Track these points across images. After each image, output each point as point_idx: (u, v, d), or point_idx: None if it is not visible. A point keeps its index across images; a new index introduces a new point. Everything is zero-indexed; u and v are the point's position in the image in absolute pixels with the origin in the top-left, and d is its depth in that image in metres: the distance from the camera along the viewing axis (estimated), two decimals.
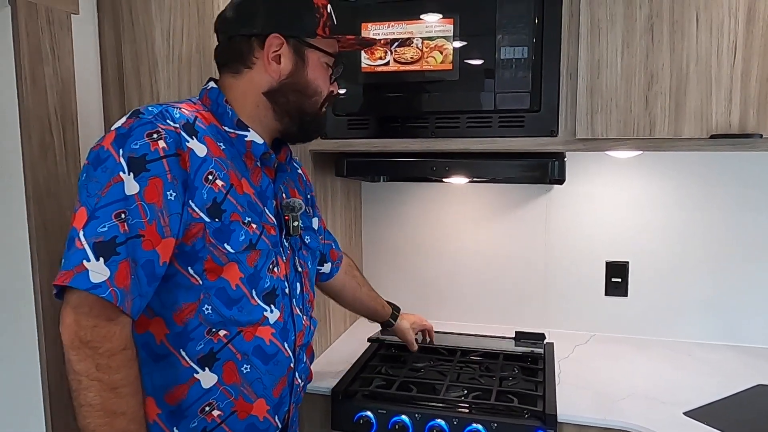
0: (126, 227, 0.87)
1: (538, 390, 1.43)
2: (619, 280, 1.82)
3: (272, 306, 1.04)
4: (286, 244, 1.10)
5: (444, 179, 1.73)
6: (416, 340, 1.63)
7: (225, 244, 0.96)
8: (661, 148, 1.36)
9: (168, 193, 0.91)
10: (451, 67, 1.40)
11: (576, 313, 1.86)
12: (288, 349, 1.07)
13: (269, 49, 1.02)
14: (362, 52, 1.45)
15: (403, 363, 1.63)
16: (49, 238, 1.33)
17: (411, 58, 1.42)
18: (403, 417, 1.38)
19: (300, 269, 1.14)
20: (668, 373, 1.54)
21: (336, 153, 1.59)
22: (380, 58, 1.45)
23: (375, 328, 1.86)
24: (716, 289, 1.74)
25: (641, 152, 1.56)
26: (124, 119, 0.94)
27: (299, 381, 1.13)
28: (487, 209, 1.89)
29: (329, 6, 1.09)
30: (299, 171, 1.27)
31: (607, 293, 1.83)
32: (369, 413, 1.40)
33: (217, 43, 1.09)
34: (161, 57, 1.46)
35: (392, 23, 1.43)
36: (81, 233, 0.86)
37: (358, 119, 1.51)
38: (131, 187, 0.88)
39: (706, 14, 1.29)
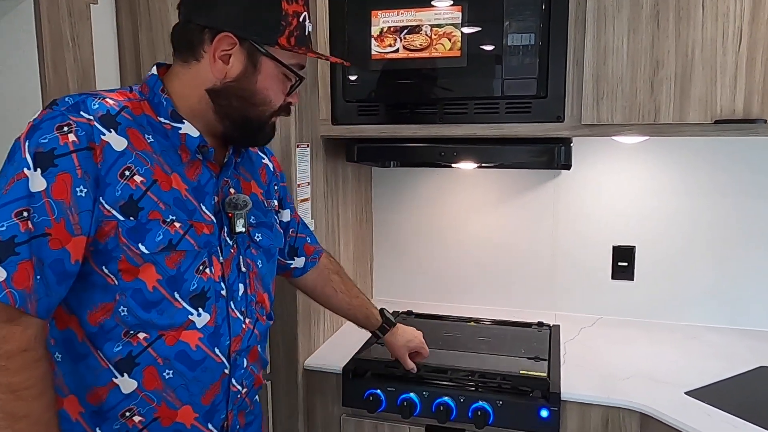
0: (30, 225, 0.83)
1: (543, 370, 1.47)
2: (626, 264, 1.84)
3: (200, 309, 0.97)
4: (230, 242, 1.02)
5: (452, 164, 1.76)
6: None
7: (139, 245, 0.90)
8: (666, 134, 1.38)
9: (77, 189, 0.86)
10: (459, 54, 1.43)
11: (583, 297, 1.89)
12: (220, 354, 1.00)
13: (218, 46, 0.93)
14: (372, 39, 1.48)
15: None
16: None
17: (420, 45, 1.45)
18: (412, 394, 1.42)
19: (245, 269, 1.06)
20: (672, 355, 1.57)
21: (346, 138, 1.62)
22: (390, 45, 1.48)
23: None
24: (721, 273, 1.76)
25: (647, 138, 1.58)
26: (40, 111, 0.90)
27: (238, 387, 1.05)
28: (496, 194, 1.92)
29: (304, 14, 0.99)
30: (264, 161, 1.18)
31: (613, 277, 1.86)
32: (378, 391, 1.45)
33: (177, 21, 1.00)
34: None
35: (401, 11, 1.45)
36: None
37: (368, 105, 1.54)
38: (37, 183, 0.84)
39: (711, 1, 1.30)
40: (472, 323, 1.82)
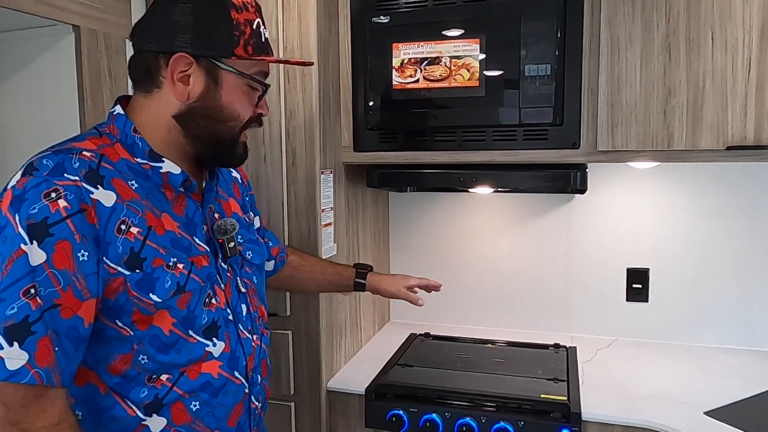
0: (39, 300, 0.81)
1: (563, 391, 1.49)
2: (640, 286, 1.87)
3: (214, 339, 0.98)
4: (225, 266, 1.03)
5: (470, 189, 1.81)
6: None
7: (150, 294, 0.90)
8: (680, 160, 1.43)
9: (79, 254, 0.84)
10: (477, 84, 1.49)
11: (598, 319, 1.92)
12: (240, 376, 1.02)
13: (174, 68, 0.92)
14: (394, 70, 1.54)
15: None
16: None
17: (440, 75, 1.51)
18: (434, 415, 1.45)
19: (244, 289, 1.08)
20: (689, 375, 1.59)
21: (367, 165, 1.68)
22: (410, 76, 1.54)
23: (403, 332, 1.94)
24: (735, 294, 1.79)
25: (659, 163, 1.62)
26: (18, 175, 0.85)
27: (256, 404, 1.08)
28: (511, 218, 1.97)
29: (257, 21, 0.97)
30: (234, 175, 1.19)
31: (628, 299, 1.89)
32: (401, 411, 1.47)
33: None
34: None
35: (422, 43, 1.52)
36: None
37: (389, 133, 1.60)
38: (36, 256, 0.81)
39: (720, 32, 1.36)
40: (489, 345, 1.85)
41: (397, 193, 2.06)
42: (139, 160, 0.94)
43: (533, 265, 1.96)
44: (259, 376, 1.08)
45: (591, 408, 1.39)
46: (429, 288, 1.50)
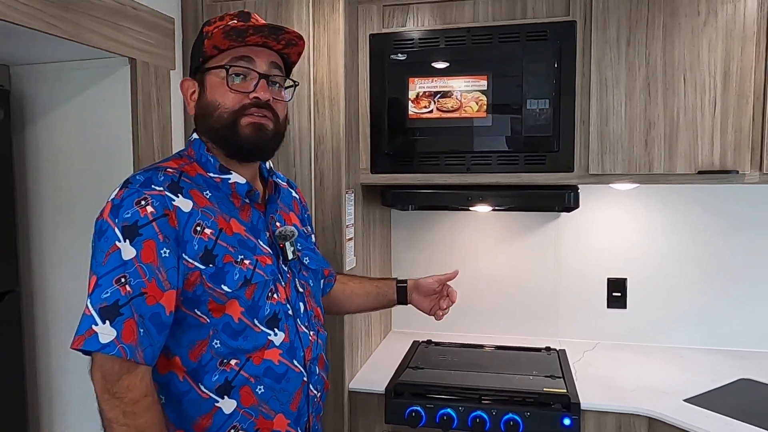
0: (128, 288, 0.96)
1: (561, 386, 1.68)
2: (619, 294, 2.09)
3: (275, 329, 1.11)
4: (285, 269, 1.16)
5: (471, 208, 2.00)
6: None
7: (222, 286, 1.04)
8: (659, 182, 1.67)
9: (162, 251, 0.99)
10: (485, 115, 1.69)
11: (582, 324, 2.13)
12: (298, 365, 1.14)
13: (186, 92, 1.15)
14: (410, 101, 1.73)
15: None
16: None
17: (451, 107, 1.71)
18: (449, 410, 1.61)
19: (302, 289, 1.20)
20: (667, 371, 1.80)
21: (381, 185, 1.85)
22: (425, 107, 1.73)
23: (406, 340, 2.10)
24: (704, 301, 2.02)
25: (639, 185, 1.86)
26: (116, 190, 1.04)
27: (315, 392, 1.19)
28: (504, 234, 2.17)
29: (227, 24, 1.10)
30: (293, 195, 1.34)
31: (608, 306, 2.10)
32: (419, 407, 1.63)
33: None
34: None
35: (435, 78, 1.72)
36: (89, 300, 0.97)
37: (405, 157, 1.78)
38: (128, 252, 0.98)
39: (691, 75, 1.61)
40: (487, 349, 2.04)
41: (400, 211, 2.23)
42: (211, 174, 1.12)
43: (524, 277, 2.16)
44: (316, 368, 1.20)
45: (587, 398, 1.58)
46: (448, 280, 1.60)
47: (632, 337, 2.08)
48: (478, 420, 1.59)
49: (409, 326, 2.24)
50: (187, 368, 1.05)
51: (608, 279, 2.10)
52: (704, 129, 1.62)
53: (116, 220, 0.99)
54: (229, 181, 1.12)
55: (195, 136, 1.16)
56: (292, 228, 1.20)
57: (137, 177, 1.05)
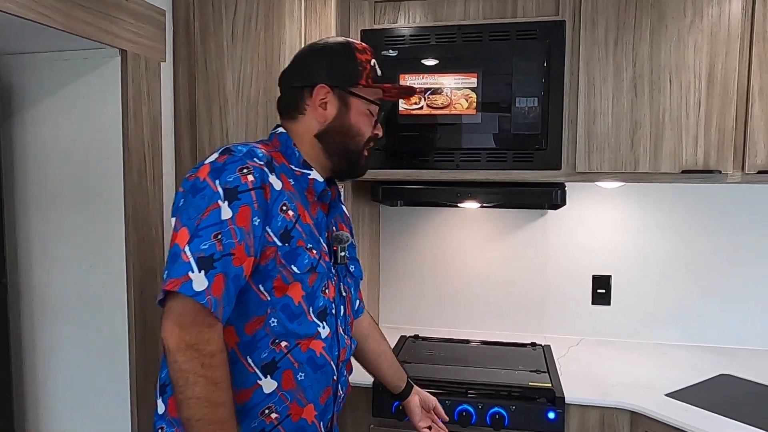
0: (221, 246, 1.00)
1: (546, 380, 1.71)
2: (604, 291, 2.13)
3: (324, 323, 1.16)
4: (334, 271, 1.22)
5: (459, 204, 2.02)
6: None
7: (292, 266, 1.09)
8: (644, 181, 1.70)
9: (254, 219, 1.04)
10: (474, 112, 1.71)
11: (567, 320, 2.16)
12: (333, 362, 1.18)
13: (317, 97, 1.17)
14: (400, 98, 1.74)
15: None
16: (141, 254, 1.56)
17: (441, 104, 1.73)
18: None
19: (344, 294, 1.26)
20: (649, 366, 1.84)
21: (371, 181, 1.86)
22: (415, 104, 1.74)
23: (393, 334, 2.11)
24: (686, 299, 2.06)
25: (624, 183, 1.89)
26: (216, 155, 1.09)
27: (340, 392, 1.23)
28: (492, 231, 2.19)
29: (374, 60, 1.24)
30: (344, 209, 1.38)
31: (593, 303, 2.14)
32: None
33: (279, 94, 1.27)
34: (231, 98, 1.72)
35: (426, 75, 1.73)
36: (186, 248, 1.00)
37: (395, 153, 1.80)
38: (226, 213, 1.02)
39: (677, 76, 1.64)
40: (473, 344, 2.06)
41: (389, 207, 2.25)
42: (293, 166, 1.18)
43: (511, 274, 2.19)
44: (344, 370, 1.26)
45: (571, 393, 1.60)
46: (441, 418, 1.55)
47: (616, 333, 2.12)
48: (464, 413, 1.61)
49: (397, 321, 2.26)
50: (240, 340, 1.08)
51: (593, 276, 2.13)
52: (689, 129, 1.65)
53: (217, 181, 1.04)
54: (309, 177, 1.18)
55: (281, 129, 1.21)
56: (347, 234, 1.27)
57: (239, 147, 1.10)
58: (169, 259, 1.01)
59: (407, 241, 2.26)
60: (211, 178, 1.04)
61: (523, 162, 1.73)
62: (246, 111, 1.72)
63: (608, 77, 1.68)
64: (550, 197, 1.74)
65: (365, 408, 1.70)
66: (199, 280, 0.98)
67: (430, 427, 1.50)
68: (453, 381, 1.67)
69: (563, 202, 1.76)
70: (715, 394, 1.60)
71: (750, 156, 1.63)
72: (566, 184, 1.80)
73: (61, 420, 1.68)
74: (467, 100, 1.71)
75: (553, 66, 1.68)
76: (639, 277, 2.10)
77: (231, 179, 1.04)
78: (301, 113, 1.20)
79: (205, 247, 1.00)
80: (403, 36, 1.76)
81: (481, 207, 2.12)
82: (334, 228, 1.26)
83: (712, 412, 1.47)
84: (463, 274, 2.22)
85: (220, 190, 1.03)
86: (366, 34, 1.78)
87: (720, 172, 1.64)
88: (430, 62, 1.74)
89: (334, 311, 1.20)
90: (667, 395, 1.59)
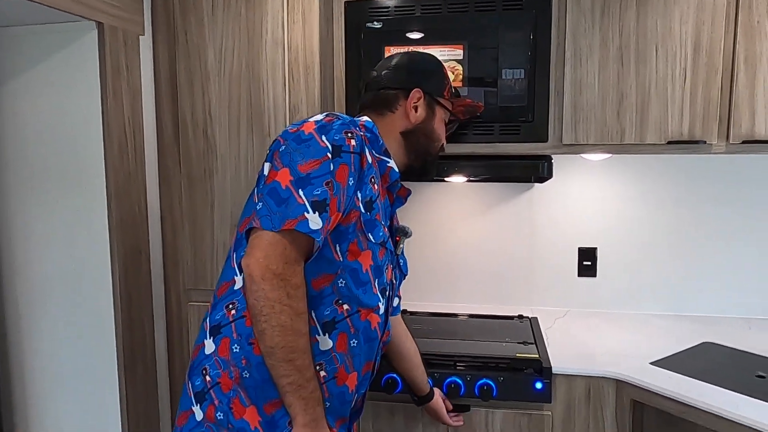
0: (333, 193, 1.08)
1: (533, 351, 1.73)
2: (590, 263, 2.15)
3: (382, 299, 1.23)
4: (393, 257, 1.30)
5: (446, 179, 2.01)
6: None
7: (369, 234, 1.16)
8: (629, 152, 1.70)
9: (349, 179, 1.11)
10: (461, 85, 1.69)
11: (554, 293, 2.18)
12: (379, 339, 1.25)
13: (412, 99, 1.29)
14: None
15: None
16: (125, 231, 1.54)
17: None
18: None
19: (394, 282, 1.34)
20: (633, 337, 1.87)
21: None
22: None
23: None
24: (669, 270, 2.09)
25: (611, 155, 1.89)
26: (322, 116, 1.17)
27: (374, 372, 1.29)
28: (479, 205, 2.19)
29: (450, 78, 1.40)
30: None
31: (579, 275, 2.16)
32: (395, 374, 1.66)
33: (364, 92, 1.37)
34: (213, 73, 1.69)
35: (411, 47, 1.70)
36: (300, 192, 1.06)
37: None
38: (332, 166, 1.09)
39: (663, 47, 1.63)
40: (461, 317, 2.07)
41: None
42: (374, 153, 1.22)
43: (499, 248, 2.20)
44: (381, 351, 1.31)
45: (558, 363, 1.62)
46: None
47: (602, 304, 2.15)
48: (453, 385, 1.63)
49: None
50: (308, 293, 1.11)
51: (579, 248, 2.15)
52: (674, 100, 1.65)
53: (324, 137, 1.10)
54: (387, 164, 1.23)
55: (367, 118, 1.27)
56: (410, 228, 1.34)
57: (341, 115, 1.18)
58: (273, 196, 1.06)
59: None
60: (318, 133, 1.10)
61: (509, 135, 1.72)
62: (229, 85, 1.69)
63: (594, 48, 1.66)
64: (537, 170, 1.74)
65: None
66: (315, 221, 1.05)
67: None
68: (441, 354, 1.68)
69: (550, 175, 1.76)
70: (697, 361, 1.63)
71: (735, 126, 1.63)
72: (553, 156, 1.80)
73: (46, 399, 1.67)
74: (453, 73, 1.69)
75: (539, 37, 1.67)
76: (624, 249, 2.12)
77: (338, 138, 1.11)
78: (392, 111, 1.30)
79: (318, 192, 1.06)
80: (388, 7, 1.73)
81: (468, 181, 2.11)
82: (395, 220, 1.34)
83: (695, 378, 1.50)
84: (451, 249, 2.23)
85: (329, 145, 1.09)
86: (350, 6, 1.75)
87: (705, 142, 1.65)
88: (415, 35, 1.72)
89: (387, 293, 1.26)
90: (651, 363, 1.62)
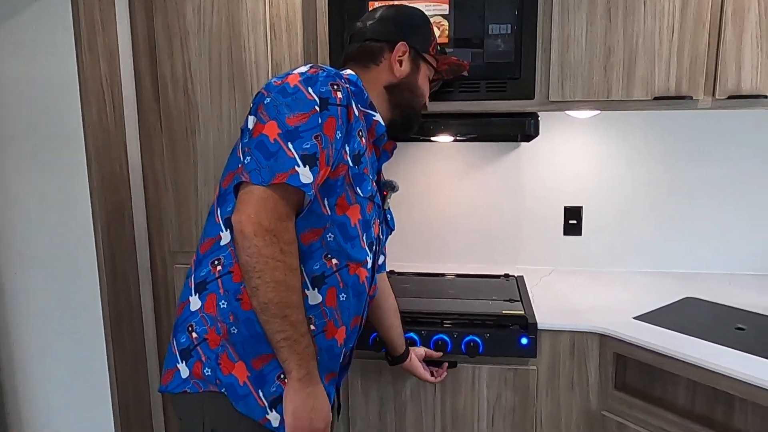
0: (322, 147, 1.06)
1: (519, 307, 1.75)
2: (575, 222, 2.16)
3: (369, 254, 1.23)
4: (380, 211, 1.29)
5: (432, 138, 2.00)
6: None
7: (357, 188, 1.16)
8: (616, 108, 1.69)
9: (337, 133, 1.09)
10: (447, 41, 1.66)
11: (539, 252, 2.20)
12: (366, 293, 1.25)
13: (397, 53, 1.27)
14: None
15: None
16: (106, 192, 1.52)
17: None
18: (412, 334, 1.66)
19: (381, 237, 1.33)
20: (617, 293, 1.90)
21: None
22: None
23: None
24: (653, 228, 2.12)
25: (598, 112, 1.88)
26: (306, 68, 1.13)
27: (361, 326, 1.30)
28: (465, 165, 2.18)
29: (435, 34, 1.37)
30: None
31: (565, 233, 2.18)
32: None
33: (348, 44, 1.34)
34: (192, 29, 1.64)
35: (395, 2, 1.66)
36: (290, 145, 1.03)
37: None
38: (320, 119, 1.07)
39: (651, 1, 1.61)
40: (448, 277, 2.09)
41: None
42: (359, 106, 1.19)
43: (485, 208, 2.20)
44: (367, 305, 1.30)
45: (543, 319, 1.65)
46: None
47: (587, 262, 2.17)
48: (440, 342, 1.64)
49: None
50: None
51: (565, 207, 2.15)
52: (661, 55, 1.63)
53: (311, 89, 1.07)
54: (373, 118, 1.21)
55: (350, 71, 1.24)
56: (397, 183, 1.33)
57: (326, 67, 1.14)
58: (261, 149, 1.04)
59: None
60: (304, 85, 1.08)
61: (496, 92, 1.70)
62: (209, 42, 1.64)
63: (582, 2, 1.64)
64: (524, 127, 1.72)
65: None
66: (306, 174, 1.03)
67: (433, 374, 1.61)
68: (428, 312, 1.70)
69: (536, 133, 1.75)
70: (679, 315, 1.66)
71: (721, 81, 1.63)
72: (539, 114, 1.78)
73: (33, 362, 1.67)
74: (439, 28, 1.66)
75: None
76: (609, 207, 2.13)
77: (324, 90, 1.08)
78: (376, 64, 1.27)
79: (307, 146, 1.04)
80: None
81: (455, 141, 2.10)
82: (382, 175, 1.33)
83: (677, 331, 1.53)
84: (438, 210, 2.23)
85: (316, 98, 1.07)
86: None
87: (691, 98, 1.64)
88: None
89: (375, 248, 1.26)
90: (635, 318, 1.64)
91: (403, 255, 2.25)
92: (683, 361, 1.39)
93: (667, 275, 2.07)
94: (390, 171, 2.20)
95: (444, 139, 2.02)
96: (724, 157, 2.03)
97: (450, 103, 1.72)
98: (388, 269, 2.10)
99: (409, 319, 1.67)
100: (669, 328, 1.55)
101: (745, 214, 2.06)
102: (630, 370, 1.58)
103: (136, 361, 1.63)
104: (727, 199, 2.06)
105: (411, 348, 1.61)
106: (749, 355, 1.37)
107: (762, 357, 1.35)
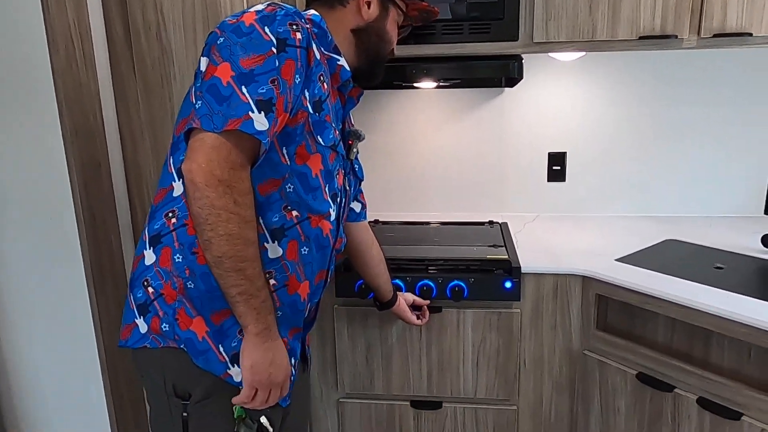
0: (279, 92, 1.00)
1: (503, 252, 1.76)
2: (559, 168, 2.16)
3: (333, 206, 1.18)
4: (346, 161, 1.25)
5: (415, 84, 1.96)
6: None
7: (318, 136, 1.10)
8: (601, 49, 1.66)
9: (296, 77, 1.03)
10: None
11: (524, 198, 2.20)
12: (331, 247, 1.21)
13: None
14: None
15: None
16: (80, 144, 1.47)
17: None
18: (397, 280, 1.67)
19: (347, 188, 1.28)
20: (600, 237, 1.91)
21: None
22: None
23: None
24: (635, 172, 2.12)
25: (583, 54, 1.85)
26: (263, 5, 1.06)
27: (327, 280, 1.26)
28: (449, 112, 2.16)
29: None
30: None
31: (548, 180, 2.18)
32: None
33: None
34: None
35: None
36: (244, 89, 0.97)
37: None
38: (277, 62, 1.00)
39: None
40: (433, 225, 2.09)
41: None
42: (323, 49, 1.13)
43: (470, 155, 2.19)
44: (334, 261, 1.28)
45: (527, 263, 1.66)
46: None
47: (570, 208, 2.18)
48: (425, 288, 1.66)
49: None
50: (255, 199, 1.06)
51: (549, 153, 2.15)
52: None
53: (267, 29, 1.00)
54: (338, 63, 1.15)
55: (314, 12, 1.16)
56: (363, 132, 1.28)
57: (285, 5, 1.07)
58: (213, 93, 0.97)
59: (364, 127, 2.20)
60: (260, 24, 1.01)
61: (479, 33, 1.66)
62: None
63: None
64: (507, 69, 1.69)
65: (329, 288, 1.73)
66: (261, 121, 0.98)
67: (418, 317, 1.64)
68: (413, 258, 1.70)
69: (520, 76, 1.72)
70: (661, 256, 1.69)
71: (706, 19, 1.60)
72: (524, 57, 1.75)
73: (16, 320, 1.66)
74: None
75: None
76: (593, 151, 2.13)
77: (281, 30, 1.01)
78: (342, 5, 1.19)
79: (263, 91, 0.98)
80: None
81: (438, 87, 2.06)
82: (348, 123, 1.28)
83: (657, 271, 1.56)
84: (421, 158, 2.21)
85: (273, 39, 1.01)
86: None
87: (676, 37, 1.61)
88: None
89: (338, 200, 1.21)
90: (616, 260, 1.66)
91: (387, 205, 2.25)
92: (663, 299, 1.42)
93: (649, 219, 2.09)
94: (372, 119, 2.17)
95: (427, 85, 1.98)
96: (707, 101, 2.02)
97: (432, 46, 1.68)
98: (372, 219, 2.12)
99: (394, 266, 1.68)
100: (650, 269, 1.57)
101: (726, 156, 2.06)
102: (611, 311, 1.61)
103: (119, 314, 1.63)
104: (708, 142, 2.06)
105: (400, 294, 1.62)
106: (727, 292, 1.39)
107: (739, 293, 1.38)
